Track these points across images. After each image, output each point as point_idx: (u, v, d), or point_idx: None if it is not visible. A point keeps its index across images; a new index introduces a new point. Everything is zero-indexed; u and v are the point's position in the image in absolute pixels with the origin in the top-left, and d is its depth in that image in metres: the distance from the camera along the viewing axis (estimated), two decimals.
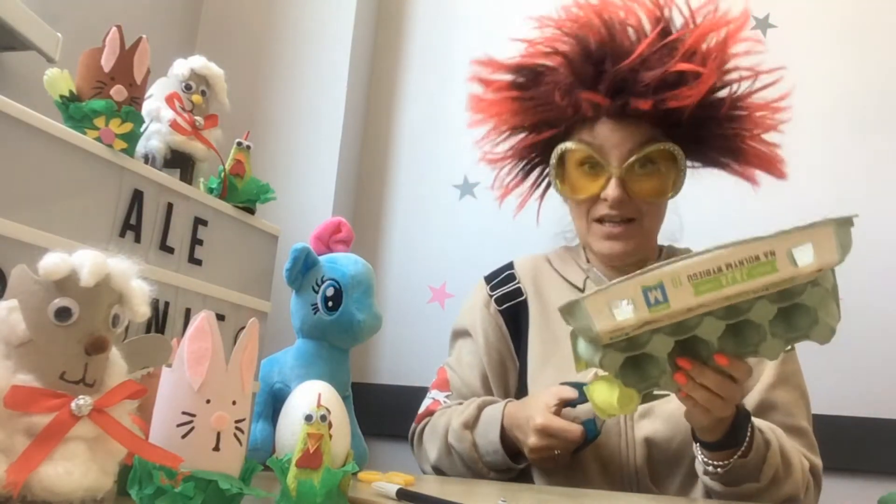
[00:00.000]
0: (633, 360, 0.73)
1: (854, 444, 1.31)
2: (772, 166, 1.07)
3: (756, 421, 0.90)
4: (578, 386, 0.97)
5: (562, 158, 1.05)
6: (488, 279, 1.17)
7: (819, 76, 1.47)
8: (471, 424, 1.02)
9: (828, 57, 1.48)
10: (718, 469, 0.86)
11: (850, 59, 1.47)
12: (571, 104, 1.02)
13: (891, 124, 1.45)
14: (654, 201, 1.04)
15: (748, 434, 0.85)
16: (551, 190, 1.13)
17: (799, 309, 0.71)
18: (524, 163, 1.15)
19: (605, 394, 0.75)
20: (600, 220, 1.04)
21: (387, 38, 1.73)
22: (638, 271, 0.68)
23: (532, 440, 0.92)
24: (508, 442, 0.98)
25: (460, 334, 1.15)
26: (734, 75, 1.02)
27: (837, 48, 1.48)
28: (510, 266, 1.17)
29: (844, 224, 0.66)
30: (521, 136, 1.11)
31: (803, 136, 1.45)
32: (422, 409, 1.12)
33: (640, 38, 1.01)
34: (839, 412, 1.30)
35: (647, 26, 1.02)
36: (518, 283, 1.14)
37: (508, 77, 1.09)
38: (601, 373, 0.75)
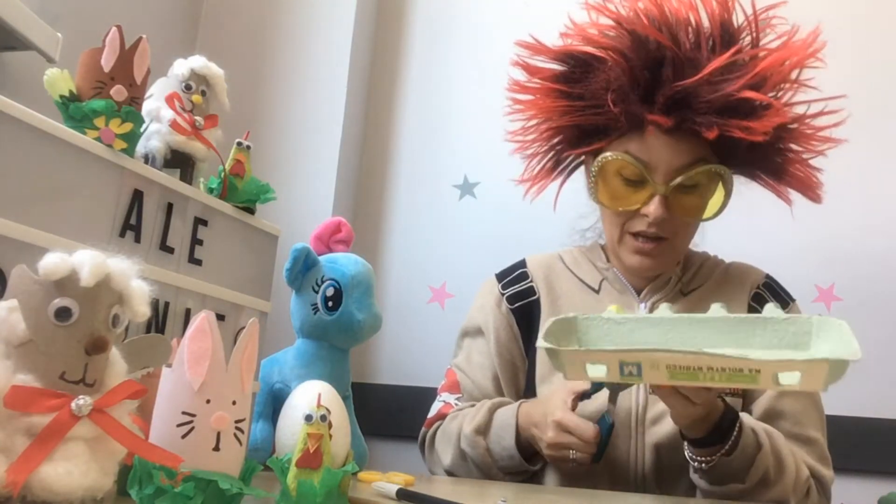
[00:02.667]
0: None
1: (854, 444, 1.30)
2: (810, 190, 1.03)
3: (754, 424, 0.90)
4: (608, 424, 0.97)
5: (600, 167, 0.99)
6: (500, 277, 1.14)
7: (818, 76, 1.47)
8: (483, 430, 1.00)
9: (827, 56, 1.48)
10: (703, 465, 0.87)
11: (849, 58, 1.47)
12: (625, 114, 0.95)
13: (891, 124, 1.45)
14: (695, 219, 1.01)
15: (733, 434, 0.85)
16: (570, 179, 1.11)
17: None
18: (553, 152, 1.10)
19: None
20: (634, 234, 1.01)
21: (387, 38, 1.73)
22: (619, 348, 0.73)
23: (550, 434, 0.91)
24: (523, 444, 0.97)
25: (470, 333, 1.13)
26: (798, 100, 0.98)
27: (837, 47, 1.48)
28: (522, 264, 1.15)
29: (840, 365, 0.66)
30: (561, 135, 1.05)
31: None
32: (432, 413, 1.09)
33: (699, 41, 0.95)
34: (839, 412, 1.29)
35: (706, 24, 0.96)
36: (531, 281, 1.11)
37: (556, 66, 1.02)
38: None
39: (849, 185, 1.42)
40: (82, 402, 0.42)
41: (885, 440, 1.32)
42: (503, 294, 1.11)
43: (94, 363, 0.44)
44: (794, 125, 0.98)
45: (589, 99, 0.99)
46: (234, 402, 0.48)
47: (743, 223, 1.35)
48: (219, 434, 0.47)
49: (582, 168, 1.12)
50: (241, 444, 0.49)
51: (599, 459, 0.90)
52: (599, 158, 0.99)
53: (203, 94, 0.85)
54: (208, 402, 0.47)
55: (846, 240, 1.42)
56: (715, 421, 0.85)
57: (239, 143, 0.87)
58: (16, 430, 0.41)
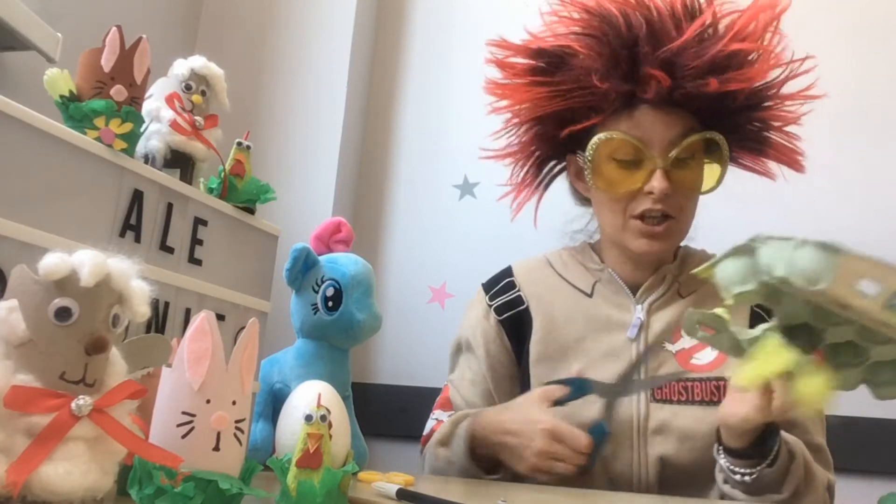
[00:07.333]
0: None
1: (854, 444, 1.30)
2: (792, 160, 1.04)
3: (782, 433, 0.88)
4: (573, 382, 0.93)
5: (595, 151, 0.98)
6: (487, 287, 1.11)
7: (818, 76, 1.47)
8: (446, 441, 0.99)
9: (827, 56, 1.48)
10: (746, 478, 0.83)
11: (849, 58, 1.47)
12: (615, 88, 0.95)
13: (890, 125, 1.45)
14: (696, 194, 1.00)
15: (776, 446, 0.83)
16: (549, 190, 1.11)
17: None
18: (533, 158, 1.09)
19: (814, 385, 0.63)
20: (640, 217, 0.98)
21: (387, 38, 1.73)
22: None
23: (539, 443, 0.87)
24: (480, 454, 0.96)
25: (461, 349, 1.11)
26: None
27: (837, 48, 1.48)
28: (509, 272, 1.12)
29: None
30: (547, 122, 1.04)
31: (812, 133, 1.45)
32: (426, 431, 1.08)
33: (672, 16, 0.96)
34: (840, 412, 1.29)
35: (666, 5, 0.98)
36: (518, 290, 1.08)
37: (529, 62, 1.02)
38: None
39: (849, 184, 1.42)
40: (82, 402, 0.42)
41: (885, 440, 1.32)
42: (490, 305, 1.09)
43: (94, 363, 0.44)
44: (772, 97, 0.99)
45: (573, 83, 0.98)
46: (234, 402, 0.48)
47: (742, 222, 1.35)
48: (219, 434, 0.47)
49: (557, 181, 1.12)
50: (241, 444, 0.49)
51: (591, 468, 0.87)
52: (593, 142, 0.97)
53: (203, 94, 0.85)
54: (208, 402, 0.47)
55: (846, 240, 1.42)
56: (760, 433, 0.83)
57: (239, 143, 0.87)
58: (16, 430, 0.41)
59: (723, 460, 0.85)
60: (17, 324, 0.43)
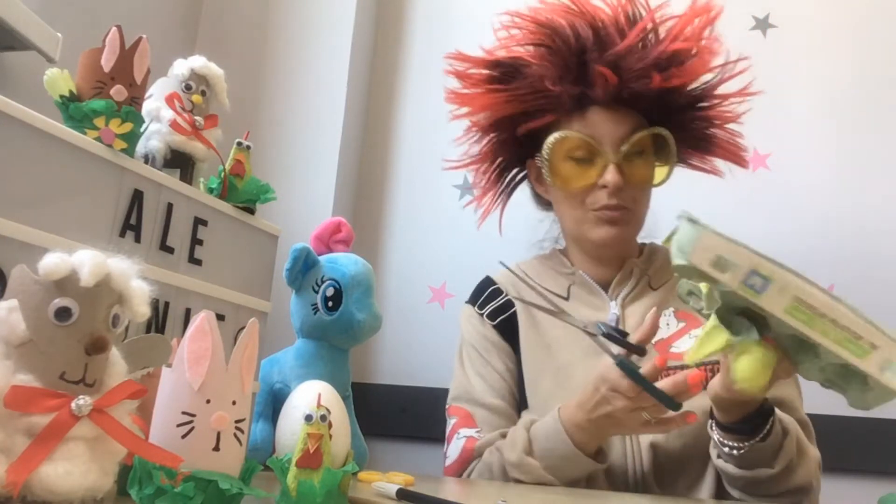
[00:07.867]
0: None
1: (854, 444, 1.30)
2: (737, 156, 1.10)
3: (778, 413, 0.89)
4: (624, 364, 0.82)
5: (551, 150, 1.04)
6: (472, 300, 1.14)
7: (818, 76, 1.47)
8: (530, 450, 0.92)
9: (827, 56, 1.49)
10: (734, 452, 0.85)
11: (849, 58, 1.47)
12: (567, 94, 1.02)
13: (889, 124, 1.45)
14: (648, 187, 1.06)
15: (769, 424, 0.84)
16: (512, 198, 1.16)
17: (858, 375, 0.65)
18: (496, 165, 1.15)
19: (752, 365, 0.67)
20: (597, 211, 1.03)
21: (387, 38, 1.73)
22: (762, 252, 0.63)
23: (619, 403, 0.83)
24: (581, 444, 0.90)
25: (463, 361, 1.10)
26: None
27: (837, 48, 1.48)
28: (491, 281, 1.15)
29: None
30: (505, 128, 1.10)
31: (800, 134, 1.45)
32: (453, 458, 1.01)
33: (616, 25, 1.03)
34: (839, 412, 1.29)
35: (619, 14, 1.05)
36: (506, 295, 1.11)
37: (486, 72, 1.08)
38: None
39: (849, 183, 1.42)
40: (82, 402, 0.42)
41: (886, 440, 1.32)
42: (482, 314, 1.11)
43: (94, 363, 0.44)
44: (713, 97, 1.06)
45: (528, 88, 1.05)
46: (234, 402, 0.48)
47: (741, 221, 1.35)
48: (219, 434, 0.47)
49: (517, 193, 1.18)
50: (241, 444, 0.49)
51: (668, 401, 0.81)
52: (549, 141, 1.03)
53: (203, 94, 0.85)
54: (208, 402, 0.47)
55: (846, 240, 1.42)
56: (753, 408, 0.83)
57: (239, 143, 0.87)
58: (16, 430, 0.41)
59: (714, 434, 0.88)
60: (17, 324, 0.43)
